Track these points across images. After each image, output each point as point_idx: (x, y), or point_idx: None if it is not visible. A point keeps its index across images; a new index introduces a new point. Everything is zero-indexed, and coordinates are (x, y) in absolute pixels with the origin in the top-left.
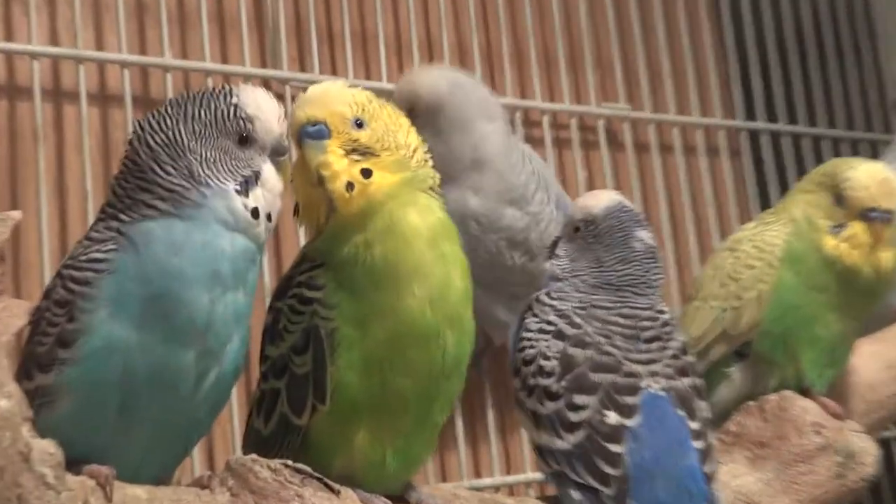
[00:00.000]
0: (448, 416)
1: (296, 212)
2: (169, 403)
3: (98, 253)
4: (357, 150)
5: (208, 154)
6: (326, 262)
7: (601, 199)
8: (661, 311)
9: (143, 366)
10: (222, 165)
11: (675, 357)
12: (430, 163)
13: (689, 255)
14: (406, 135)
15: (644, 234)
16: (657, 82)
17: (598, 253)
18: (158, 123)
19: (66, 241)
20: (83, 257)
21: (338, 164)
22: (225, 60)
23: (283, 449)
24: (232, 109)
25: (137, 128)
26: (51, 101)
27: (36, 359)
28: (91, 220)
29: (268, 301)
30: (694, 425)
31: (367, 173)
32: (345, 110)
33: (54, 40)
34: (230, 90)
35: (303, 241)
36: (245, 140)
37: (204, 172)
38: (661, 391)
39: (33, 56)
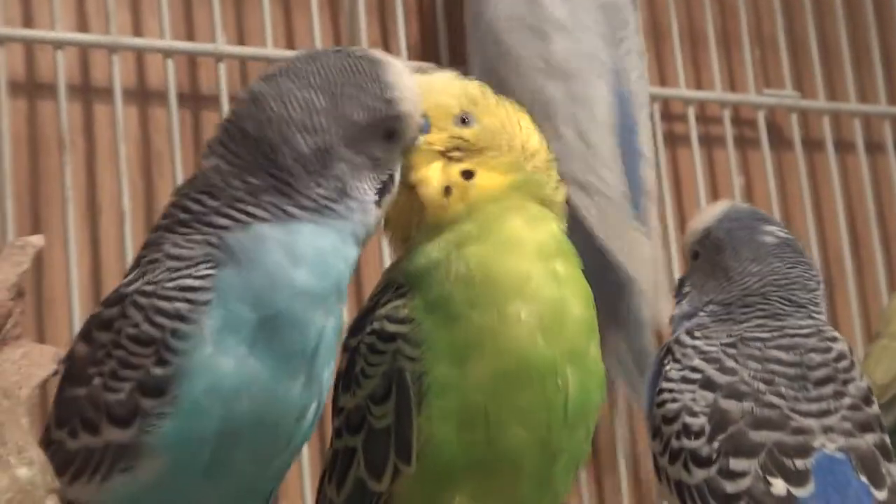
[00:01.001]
0: (573, 481)
1: (385, 224)
2: (265, 454)
3: (190, 279)
4: (458, 149)
5: (356, 160)
6: (412, 283)
7: (711, 209)
8: (833, 338)
9: (248, 408)
10: (367, 172)
11: (855, 407)
12: (554, 171)
13: (875, 280)
14: (526, 136)
15: (773, 228)
16: (833, 64)
17: (726, 263)
18: (300, 113)
19: (100, 276)
20: (169, 283)
21: (433, 168)
22: (291, 46)
23: None
24: (385, 107)
25: (255, 91)
26: (79, 100)
27: (105, 409)
28: (130, 244)
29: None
30: (881, 495)
31: (468, 175)
32: (450, 103)
33: (83, 26)
34: (371, 57)
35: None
36: (391, 136)
37: (352, 183)
38: (839, 452)
39: (57, 45)
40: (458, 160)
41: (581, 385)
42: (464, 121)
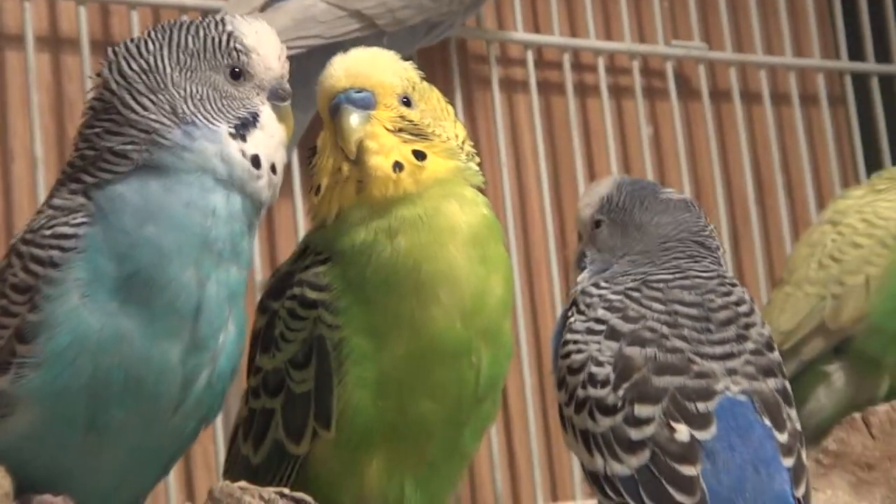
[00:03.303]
0: (479, 443)
1: (316, 192)
2: (149, 415)
3: (65, 227)
4: (406, 130)
5: (195, 89)
6: (333, 255)
7: (600, 184)
8: (733, 283)
9: (118, 366)
10: (212, 104)
11: (757, 352)
12: (477, 159)
13: (779, 228)
14: (454, 124)
15: (669, 190)
16: (740, 16)
17: (637, 219)
18: (137, 48)
19: (12, 218)
20: (47, 231)
21: (386, 139)
22: None
23: (277, 481)
24: (225, 38)
25: (110, 55)
26: None
27: None
28: (42, 192)
29: (257, 296)
30: (783, 438)
31: (420, 156)
32: (395, 82)
33: None
34: (223, 18)
35: (302, 230)
36: (238, 75)
37: (189, 109)
38: (742, 395)
39: None
40: (408, 141)
41: (493, 360)
42: (406, 102)
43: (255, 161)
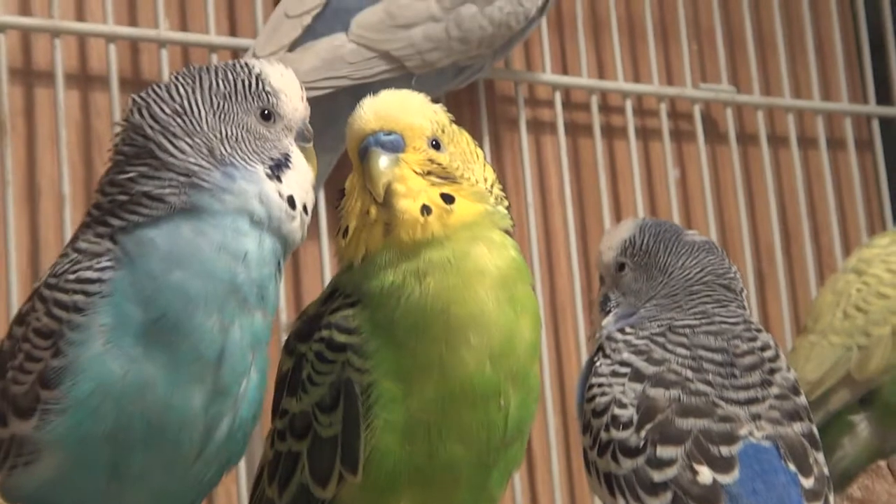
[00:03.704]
0: (506, 487)
1: (343, 234)
2: (171, 461)
3: (89, 271)
4: (434, 173)
5: (229, 131)
6: (362, 297)
7: (621, 227)
8: (758, 329)
9: (141, 413)
10: (247, 145)
11: (782, 397)
12: (506, 203)
13: (805, 274)
14: (483, 168)
15: (691, 232)
16: (768, 58)
17: (662, 262)
18: (168, 92)
19: (39, 259)
20: (71, 276)
21: (414, 183)
22: (233, 33)
23: None
24: (254, 81)
25: (138, 100)
26: (20, 83)
27: (12, 400)
28: (69, 229)
29: (282, 338)
30: (809, 484)
31: (448, 199)
32: (425, 125)
33: (25, 9)
34: (249, 62)
35: (328, 271)
36: (269, 116)
37: (227, 150)
38: (766, 440)
39: (0, 28)
40: (436, 185)
41: (521, 404)
42: (435, 145)
43: (291, 202)
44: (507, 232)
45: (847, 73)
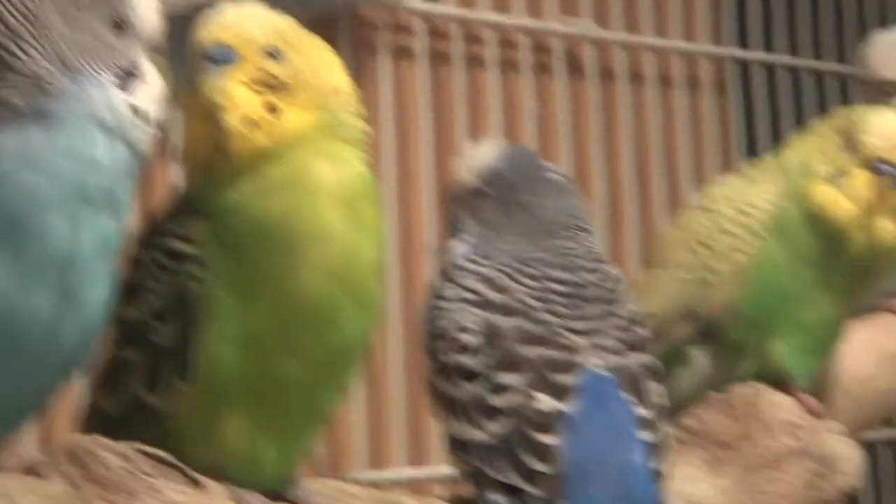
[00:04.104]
0: (341, 403)
1: (179, 152)
2: (15, 368)
3: None
4: (266, 84)
5: (79, 39)
6: (203, 211)
7: (489, 148)
8: (603, 261)
9: None
10: (96, 54)
11: (624, 328)
12: (356, 107)
13: (656, 211)
14: (334, 75)
15: (550, 167)
16: None
17: (513, 203)
18: None
19: None
20: None
21: (239, 95)
22: None
23: (134, 435)
24: None
25: None
26: None
27: None
28: None
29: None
30: (643, 412)
31: (273, 109)
32: (258, 35)
33: None
34: None
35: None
36: (120, 25)
37: (76, 58)
38: (605, 370)
39: None
40: (266, 95)
41: (359, 321)
42: (272, 55)
43: (139, 112)
44: (354, 137)
45: (708, 14)
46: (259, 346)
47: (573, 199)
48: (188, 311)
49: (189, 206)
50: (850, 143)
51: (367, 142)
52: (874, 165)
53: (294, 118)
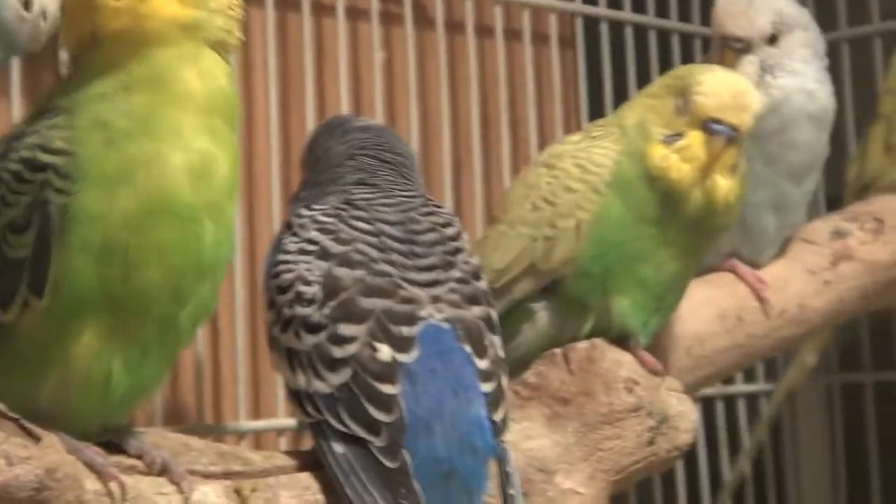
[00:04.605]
0: (192, 337)
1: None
2: None
3: None
4: None
5: None
6: (67, 110)
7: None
8: (438, 206)
9: None
10: None
11: (463, 281)
12: (238, 15)
13: (500, 165)
14: None
15: (367, 119)
16: None
17: (323, 146)
18: None
19: None
20: None
21: None
22: None
23: None
24: None
25: None
26: None
27: None
28: None
29: None
30: (482, 364)
31: None
32: None
33: None
34: None
35: None
36: None
37: None
38: (445, 322)
39: None
40: None
41: (216, 239)
42: None
43: (26, 4)
44: (224, 47)
45: None
46: (120, 253)
47: (372, 135)
48: (46, 221)
49: (56, 109)
50: (684, 104)
51: (237, 40)
52: (706, 126)
53: (166, 6)
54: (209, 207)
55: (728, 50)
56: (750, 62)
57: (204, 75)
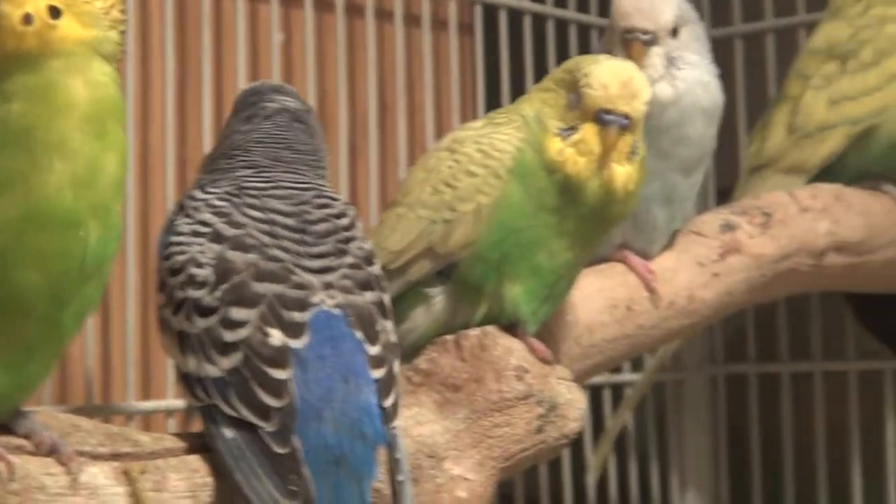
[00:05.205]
0: (78, 331)
1: None
2: None
3: None
4: None
5: None
6: None
7: None
8: (334, 198)
9: None
10: None
11: (355, 266)
12: (123, 27)
13: (396, 150)
14: None
15: (283, 97)
16: None
17: (229, 126)
18: None
19: None
20: None
21: None
22: None
23: None
24: None
25: None
26: None
27: None
28: None
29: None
30: (374, 350)
31: (55, 13)
32: None
33: None
34: None
35: None
36: None
37: None
38: (337, 308)
39: None
40: None
41: (102, 240)
42: None
43: None
44: (113, 55)
45: None
46: (0, 255)
47: (276, 128)
48: None
49: None
50: (575, 97)
51: (122, 53)
52: (599, 117)
53: (71, 29)
54: (94, 210)
55: (635, 42)
56: (657, 54)
57: (91, 84)
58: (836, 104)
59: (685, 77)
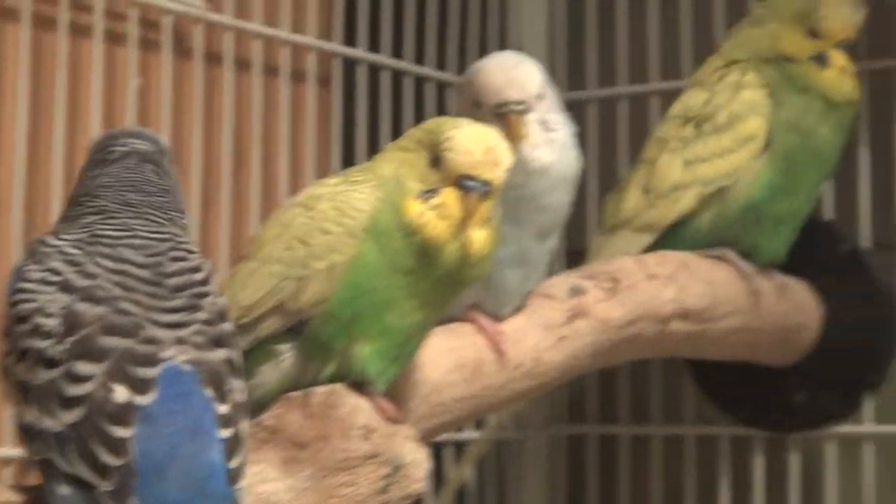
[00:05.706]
0: None
1: None
2: None
3: None
4: None
5: None
6: None
7: None
8: (190, 251)
9: None
10: None
11: (208, 322)
12: None
13: (249, 202)
14: None
15: (134, 141)
16: None
17: (86, 183)
18: None
19: None
20: None
21: None
22: None
23: None
24: None
25: None
26: None
27: None
28: None
29: None
30: (223, 409)
31: None
32: None
33: None
34: None
35: None
36: None
37: None
38: (187, 365)
39: None
40: None
41: None
42: None
43: None
44: None
45: (319, 8)
46: None
47: (124, 171)
48: None
49: None
50: (437, 161)
51: None
52: (461, 182)
53: None
54: None
55: (510, 115)
56: (532, 121)
57: None
58: (691, 165)
59: (558, 138)
